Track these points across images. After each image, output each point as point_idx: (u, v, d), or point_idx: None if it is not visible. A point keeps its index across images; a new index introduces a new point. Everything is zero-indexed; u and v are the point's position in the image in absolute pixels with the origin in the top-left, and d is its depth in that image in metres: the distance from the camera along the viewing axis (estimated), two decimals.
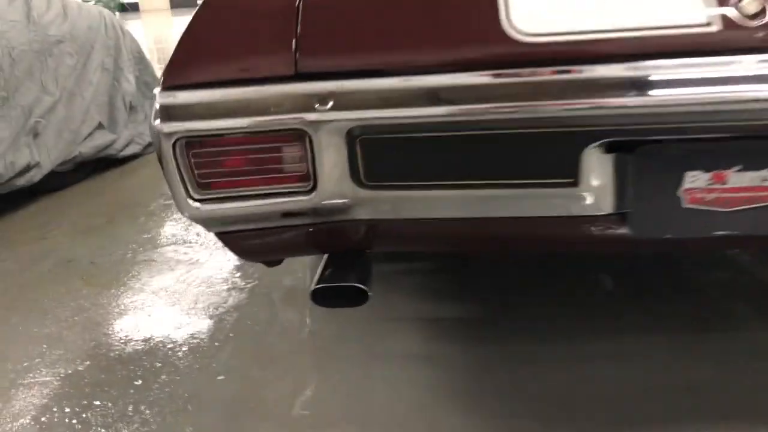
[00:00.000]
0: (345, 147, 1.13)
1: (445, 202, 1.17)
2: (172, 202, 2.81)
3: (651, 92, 1.01)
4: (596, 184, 1.12)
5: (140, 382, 1.65)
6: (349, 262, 1.31)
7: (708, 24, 1.02)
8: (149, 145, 3.59)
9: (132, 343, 1.82)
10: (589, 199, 1.13)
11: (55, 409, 1.56)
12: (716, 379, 1.48)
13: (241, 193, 1.18)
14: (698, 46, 1.01)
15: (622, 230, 1.16)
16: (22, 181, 2.72)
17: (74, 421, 1.52)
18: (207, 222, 1.21)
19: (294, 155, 1.15)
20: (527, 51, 1.06)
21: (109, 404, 1.57)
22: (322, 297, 1.26)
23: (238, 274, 2.15)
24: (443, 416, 1.44)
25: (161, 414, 1.52)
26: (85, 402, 1.59)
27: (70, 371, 1.71)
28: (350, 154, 1.13)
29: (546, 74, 1.04)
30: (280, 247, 1.31)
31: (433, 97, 1.07)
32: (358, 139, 1.12)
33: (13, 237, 2.62)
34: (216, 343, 1.79)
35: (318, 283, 1.25)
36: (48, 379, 1.68)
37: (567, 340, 1.65)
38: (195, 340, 1.81)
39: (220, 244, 1.68)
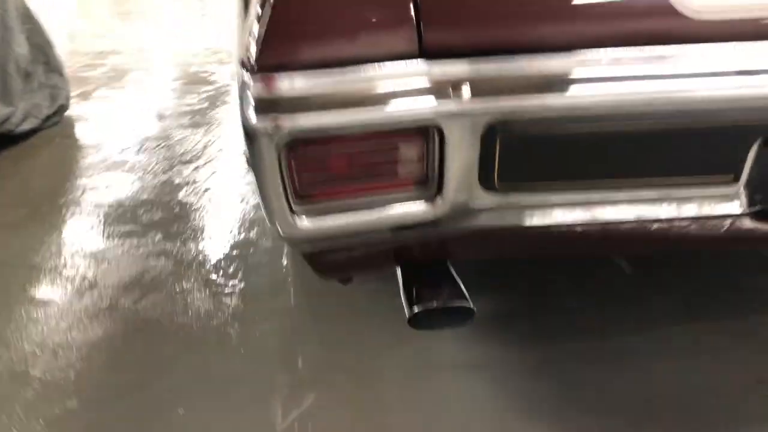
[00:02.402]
0: (479, 144, 0.94)
1: (585, 206, 1.01)
2: (99, 186, 2.47)
3: None
4: (754, 180, 1.00)
5: None
6: (438, 278, 1.13)
7: None
8: (48, 117, 3.12)
9: None
10: (743, 196, 1.02)
11: None
12: None
13: (350, 204, 0.96)
14: None
15: (753, 225, 1.06)
16: None
17: None
18: (306, 241, 0.98)
19: (417, 154, 0.94)
20: (700, 27, 0.91)
21: None
22: (423, 321, 1.07)
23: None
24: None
25: None
26: None
27: None
28: (484, 152, 0.94)
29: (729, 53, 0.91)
30: (372, 263, 1.10)
31: (596, 79, 0.91)
32: (498, 134, 0.93)
33: None
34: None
35: (417, 307, 1.06)
36: None
37: (607, 334, 1.56)
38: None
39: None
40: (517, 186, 0.99)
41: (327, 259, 1.06)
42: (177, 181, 2.47)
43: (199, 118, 3.12)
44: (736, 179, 1.00)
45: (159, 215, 2.22)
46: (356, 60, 0.89)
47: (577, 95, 0.91)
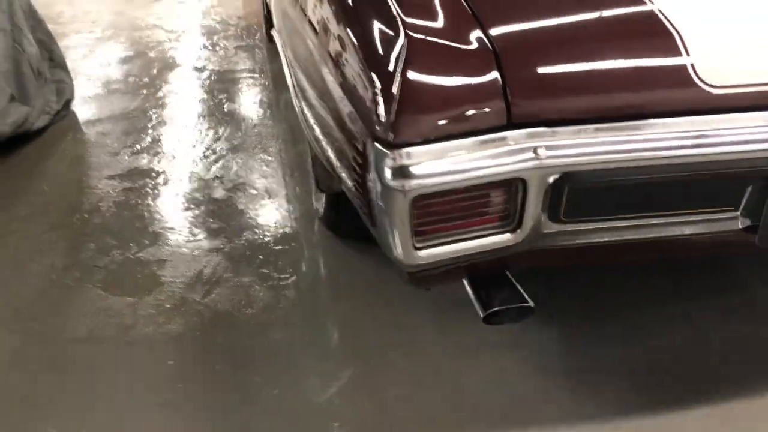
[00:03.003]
0: (551, 189, 1.24)
1: (625, 229, 1.34)
2: (131, 184, 2.65)
3: None
4: (748, 208, 1.34)
5: None
6: (501, 283, 1.43)
7: None
8: (58, 113, 3.25)
9: None
10: (740, 219, 1.35)
11: None
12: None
13: (454, 237, 1.25)
14: None
15: (746, 236, 1.40)
16: None
17: None
18: (418, 267, 1.28)
19: (504, 198, 1.25)
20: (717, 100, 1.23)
21: None
22: (495, 319, 1.38)
23: None
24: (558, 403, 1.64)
25: None
26: None
27: None
28: (554, 195, 1.25)
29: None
30: (454, 276, 1.40)
31: (644, 141, 1.22)
32: (565, 182, 1.23)
33: None
34: None
35: (488, 308, 1.36)
36: None
37: (617, 313, 1.90)
38: None
39: None
40: (576, 219, 1.30)
41: (422, 276, 1.36)
42: (207, 176, 2.70)
43: (206, 108, 3.32)
44: (737, 208, 1.34)
45: (198, 211, 2.45)
46: (463, 133, 1.18)
47: (626, 154, 1.22)
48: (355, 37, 1.36)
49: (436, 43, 1.24)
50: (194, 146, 2.97)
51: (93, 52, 4.15)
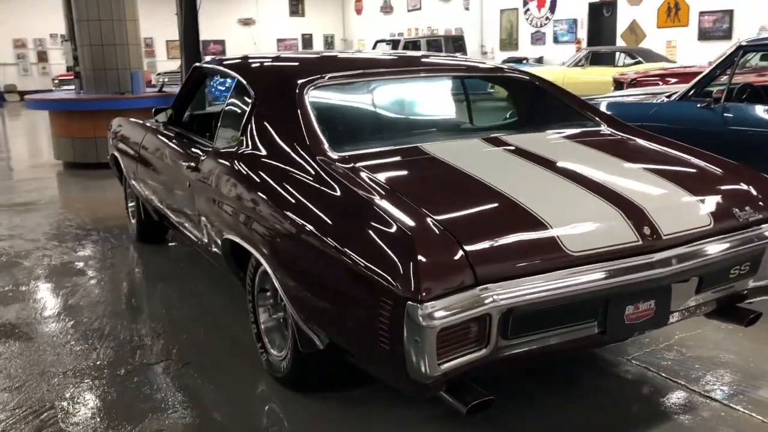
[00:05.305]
0: (503, 317, 2.11)
1: (551, 337, 2.23)
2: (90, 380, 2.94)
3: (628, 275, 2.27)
4: (600, 320, 2.32)
5: None
6: (468, 386, 2.21)
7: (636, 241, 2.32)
8: None
9: None
10: (596, 326, 2.32)
11: None
12: None
13: (454, 354, 2.05)
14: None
15: (601, 337, 2.37)
16: None
17: None
18: (435, 378, 2.03)
19: (480, 327, 2.08)
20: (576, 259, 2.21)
21: None
22: (474, 412, 2.14)
23: None
24: None
25: None
26: None
27: None
28: (504, 321, 2.12)
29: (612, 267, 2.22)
30: (444, 385, 2.16)
31: (546, 286, 2.14)
32: (511, 312, 2.11)
33: None
34: None
35: (468, 404, 2.12)
36: None
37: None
38: None
39: None
40: (518, 335, 2.17)
41: (433, 386, 2.09)
42: (151, 361, 3.15)
43: (118, 306, 3.74)
44: (596, 320, 2.30)
45: (165, 393, 2.90)
46: (456, 290, 2.02)
47: (538, 294, 2.12)
48: (364, 242, 2.18)
49: (428, 239, 2.10)
50: (124, 339, 3.40)
51: None
